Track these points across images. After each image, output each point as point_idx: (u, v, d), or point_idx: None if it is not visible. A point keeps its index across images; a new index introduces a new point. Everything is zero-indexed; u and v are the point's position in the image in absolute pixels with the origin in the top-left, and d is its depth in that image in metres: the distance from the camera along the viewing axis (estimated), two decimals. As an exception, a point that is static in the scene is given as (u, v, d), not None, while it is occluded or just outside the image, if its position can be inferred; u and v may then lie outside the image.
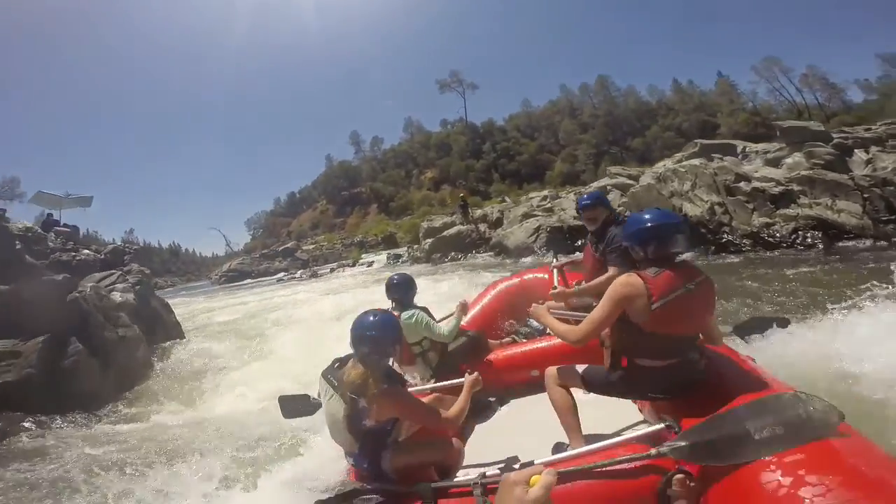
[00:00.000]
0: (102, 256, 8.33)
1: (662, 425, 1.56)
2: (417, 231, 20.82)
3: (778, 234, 8.93)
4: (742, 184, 10.13)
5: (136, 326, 5.99)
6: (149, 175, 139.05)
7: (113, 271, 7.49)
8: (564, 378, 1.95)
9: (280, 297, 12.99)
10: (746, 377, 1.66)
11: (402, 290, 2.88)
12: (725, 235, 9.55)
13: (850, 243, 8.22)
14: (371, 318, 1.84)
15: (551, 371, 2.00)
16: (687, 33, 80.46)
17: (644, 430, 1.64)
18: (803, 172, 9.52)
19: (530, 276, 3.92)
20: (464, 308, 3.00)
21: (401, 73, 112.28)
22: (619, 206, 11.83)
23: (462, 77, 50.74)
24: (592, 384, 1.89)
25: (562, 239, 12.29)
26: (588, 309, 2.13)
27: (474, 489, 1.45)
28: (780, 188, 9.49)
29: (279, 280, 23.16)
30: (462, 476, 1.80)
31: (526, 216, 14.38)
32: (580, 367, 1.98)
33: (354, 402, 1.69)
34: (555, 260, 3.75)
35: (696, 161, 11.09)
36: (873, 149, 9.58)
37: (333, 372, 1.82)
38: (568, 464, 1.48)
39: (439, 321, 2.93)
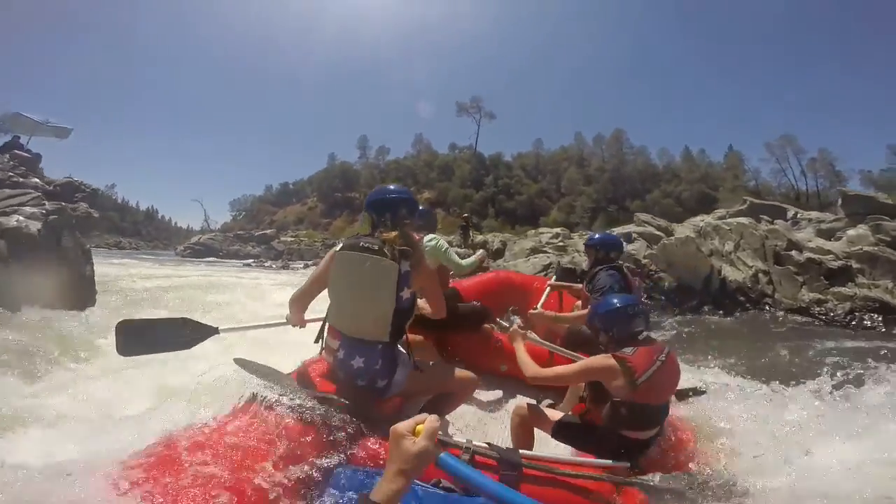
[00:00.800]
0: (51, 188, 6.54)
1: (626, 463, 1.61)
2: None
3: (832, 314, 7.63)
4: (794, 252, 8.92)
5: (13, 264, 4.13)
6: (142, 127, 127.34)
7: (29, 191, 5.66)
8: (533, 418, 1.93)
9: (232, 278, 11.13)
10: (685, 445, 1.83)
11: (425, 217, 2.88)
12: (767, 308, 8.24)
13: None
14: (390, 187, 1.89)
15: (521, 408, 1.97)
16: (707, 102, 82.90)
17: (604, 462, 1.63)
18: (866, 248, 8.36)
19: (534, 281, 3.95)
20: (484, 256, 3.10)
21: (423, 87, 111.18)
22: (644, 257, 10.51)
23: (482, 104, 50.38)
24: (563, 435, 1.86)
25: (573, 281, 10.73)
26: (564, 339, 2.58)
27: (464, 453, 1.41)
28: (838, 262, 8.28)
29: (246, 264, 21.11)
30: None
31: (535, 251, 12.90)
32: (549, 411, 1.98)
33: (399, 266, 1.61)
34: (553, 278, 3.75)
35: (744, 220, 9.87)
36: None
37: (363, 239, 1.68)
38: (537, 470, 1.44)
39: None
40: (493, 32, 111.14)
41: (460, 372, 1.96)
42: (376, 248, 1.63)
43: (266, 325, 2.21)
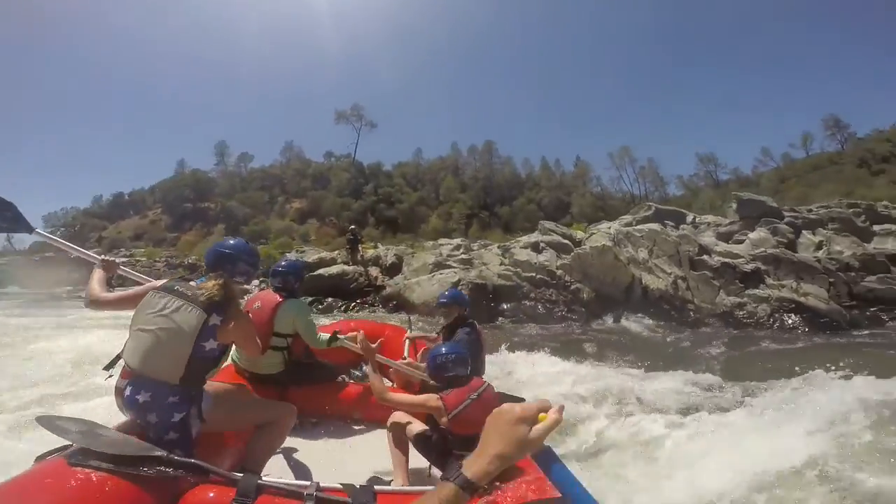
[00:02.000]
0: None
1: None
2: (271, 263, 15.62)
3: (756, 316, 7.35)
4: (705, 257, 8.67)
5: None
6: None
7: None
8: (406, 425, 2.21)
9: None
10: None
11: (289, 279, 2.81)
12: (691, 314, 7.74)
13: (826, 332, 6.93)
14: (230, 241, 1.95)
15: (395, 422, 2.25)
16: (561, 114, 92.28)
17: None
18: (769, 250, 8.39)
19: (395, 332, 3.91)
20: (355, 339, 2.69)
21: (295, 93, 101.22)
22: (558, 268, 9.51)
23: (363, 112, 48.08)
24: (419, 448, 2.17)
25: (485, 300, 9.20)
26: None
27: (307, 499, 1.35)
28: (750, 265, 8.16)
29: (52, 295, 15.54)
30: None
31: (438, 266, 11.13)
32: (417, 424, 2.21)
33: (207, 317, 1.64)
34: (409, 330, 3.79)
35: (654, 226, 9.44)
36: (821, 231, 9.03)
37: (180, 283, 1.75)
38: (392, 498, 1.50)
39: None
40: (375, 38, 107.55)
41: (273, 403, 2.13)
42: (189, 294, 1.66)
43: (82, 253, 2.24)
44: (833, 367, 4.35)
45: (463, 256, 11.60)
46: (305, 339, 2.68)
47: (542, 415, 0.66)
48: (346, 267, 12.72)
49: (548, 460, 1.95)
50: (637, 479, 2.77)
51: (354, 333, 2.81)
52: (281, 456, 2.37)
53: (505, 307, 9.01)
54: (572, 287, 9.09)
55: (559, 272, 9.52)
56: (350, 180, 44.50)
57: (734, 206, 10.06)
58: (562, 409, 0.67)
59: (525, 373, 4.90)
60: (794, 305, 7.35)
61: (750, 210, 9.51)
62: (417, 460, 2.16)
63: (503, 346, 5.88)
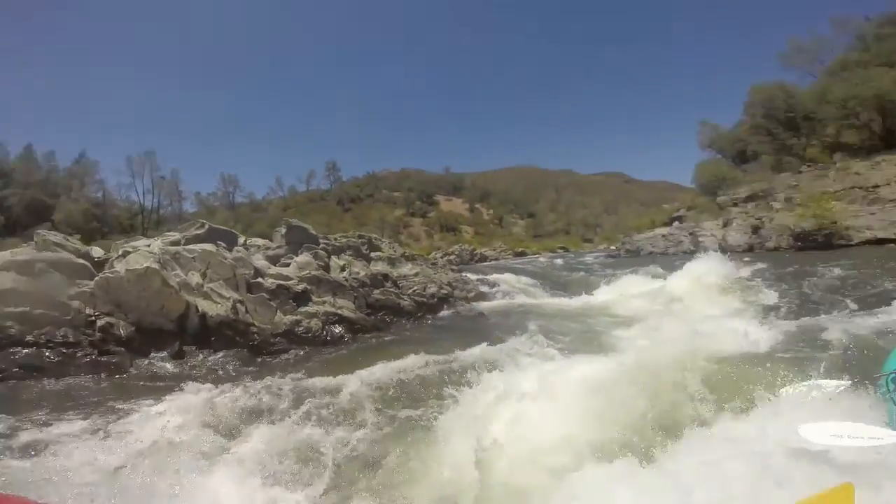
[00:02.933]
0: None
1: None
2: None
3: (311, 330, 8.09)
4: (261, 280, 8.64)
5: None
6: None
7: None
8: None
9: None
10: None
11: None
12: (255, 336, 7.57)
13: (360, 335, 8.72)
14: None
15: None
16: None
17: None
18: (313, 272, 9.43)
19: None
20: None
21: None
22: (71, 297, 6.80)
23: None
24: None
25: None
26: None
27: None
28: (300, 286, 8.85)
29: None
30: None
31: None
32: None
33: None
34: None
35: (209, 247, 8.42)
36: (343, 255, 11.08)
37: None
38: None
39: None
40: None
41: None
42: None
43: None
44: (365, 361, 5.78)
45: None
46: None
47: None
48: None
49: None
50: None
51: None
52: None
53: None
54: (100, 322, 6.73)
55: (75, 304, 6.83)
56: None
57: (283, 230, 10.77)
58: None
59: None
60: (336, 317, 8.67)
61: (296, 236, 10.48)
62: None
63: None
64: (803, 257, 14.30)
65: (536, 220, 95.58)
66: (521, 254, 50.35)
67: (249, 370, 6.53)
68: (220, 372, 6.38)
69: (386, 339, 8.55)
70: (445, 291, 12.04)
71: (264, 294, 8.31)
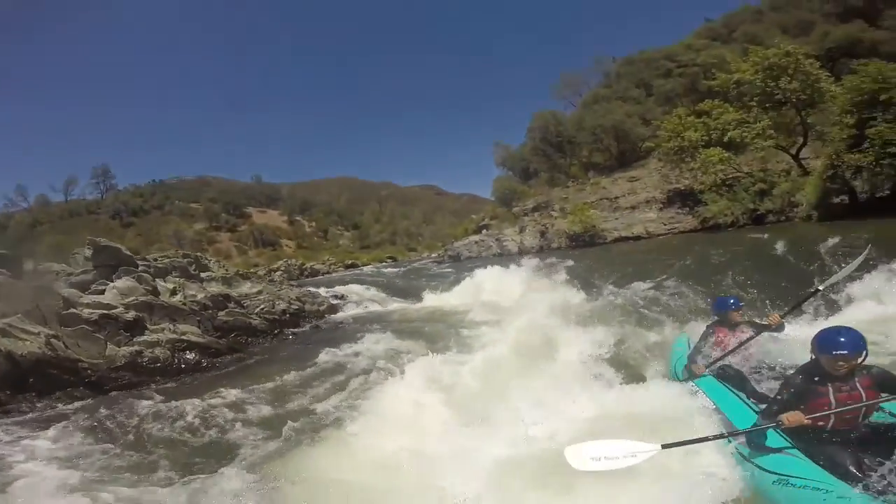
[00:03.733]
0: None
1: None
2: None
3: (158, 360, 7.29)
4: (74, 310, 7.31)
5: None
6: None
7: None
8: None
9: None
10: None
11: None
12: (89, 373, 6.53)
13: (218, 359, 8.21)
14: None
15: None
16: None
17: None
18: (141, 298, 8.35)
19: None
20: None
21: None
22: None
23: None
24: None
25: None
26: None
27: None
28: (130, 314, 7.78)
29: None
30: None
31: None
32: None
33: None
34: None
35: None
36: (170, 278, 9.95)
37: None
38: None
39: None
40: None
41: None
42: None
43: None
44: (222, 384, 6.03)
45: None
46: None
47: None
48: None
49: None
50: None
51: None
52: None
53: None
54: None
55: None
56: None
57: (89, 252, 9.15)
58: None
59: None
60: (185, 343, 7.94)
61: (105, 258, 9.01)
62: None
63: None
64: (577, 254, 18.67)
65: (362, 232, 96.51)
66: (353, 265, 50.54)
67: (84, 410, 5.71)
68: (51, 415, 5.44)
69: (246, 360, 8.29)
70: (296, 307, 11.96)
71: (85, 326, 7.13)
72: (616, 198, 26.85)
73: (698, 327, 4.51)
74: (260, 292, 12.03)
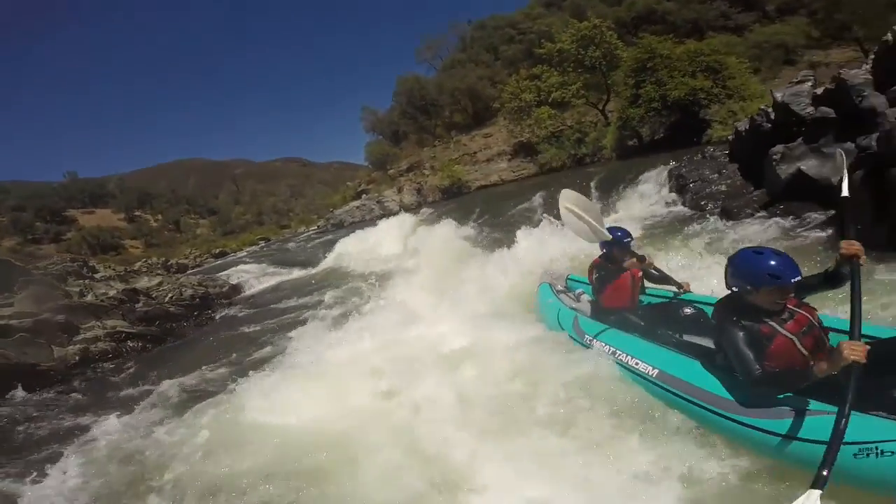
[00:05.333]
0: None
1: None
2: None
3: (110, 352, 8.29)
4: (4, 322, 7.81)
5: None
6: None
7: None
8: None
9: None
10: None
11: None
12: (53, 375, 7.42)
13: (157, 344, 9.29)
14: None
15: None
16: None
17: None
18: (60, 302, 8.91)
19: None
20: None
21: None
22: None
23: None
24: None
25: None
26: None
27: None
28: (60, 317, 8.45)
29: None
30: None
31: None
32: None
33: None
34: None
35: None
36: (71, 281, 10.31)
37: None
38: None
39: None
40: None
41: None
42: None
43: None
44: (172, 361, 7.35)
45: None
46: None
47: None
48: None
49: None
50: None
51: None
52: None
53: None
54: None
55: None
56: None
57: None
58: None
59: None
60: (123, 334, 8.89)
61: None
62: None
63: None
64: (450, 204, 22.02)
65: (222, 217, 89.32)
66: (223, 254, 47.94)
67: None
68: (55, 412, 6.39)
69: (178, 342, 9.48)
70: (202, 291, 12.92)
71: (23, 334, 7.78)
72: (475, 153, 30.80)
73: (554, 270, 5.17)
74: (161, 283, 12.77)
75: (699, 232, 6.49)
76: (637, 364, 2.83)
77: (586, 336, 3.37)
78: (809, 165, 6.04)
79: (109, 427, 4.49)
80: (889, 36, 5.58)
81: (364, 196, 34.92)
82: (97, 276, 11.84)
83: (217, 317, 11.54)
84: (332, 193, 52.43)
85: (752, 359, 2.06)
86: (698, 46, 17.99)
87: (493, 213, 13.46)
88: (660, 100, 16.70)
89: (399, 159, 36.72)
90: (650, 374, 2.72)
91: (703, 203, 7.58)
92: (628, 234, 3.66)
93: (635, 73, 18.17)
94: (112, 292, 10.50)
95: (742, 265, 2.18)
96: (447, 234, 9.10)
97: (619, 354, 2.99)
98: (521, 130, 25.51)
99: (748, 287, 2.14)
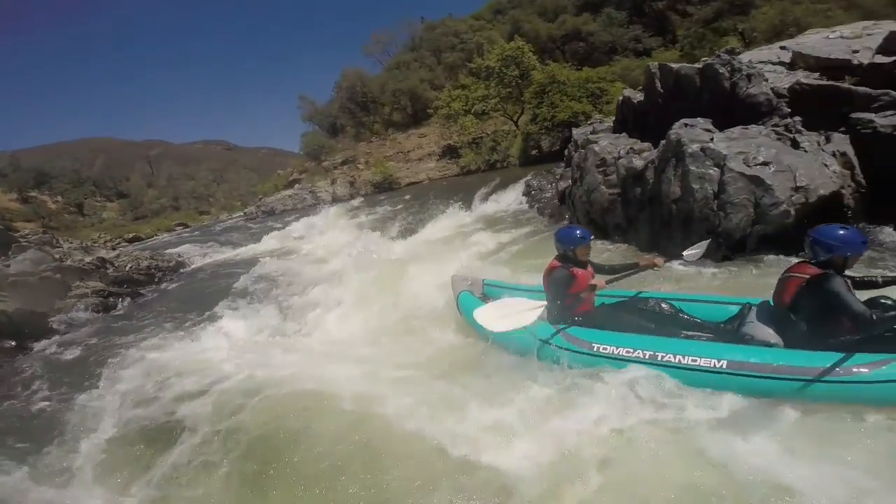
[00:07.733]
0: None
1: None
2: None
3: (99, 305, 11.09)
4: (17, 278, 10.42)
5: None
6: None
7: None
8: None
9: None
10: None
11: None
12: (59, 327, 10.20)
13: (133, 299, 12.15)
14: None
15: None
16: None
17: None
18: (53, 264, 11.55)
19: None
20: None
21: None
22: None
23: None
24: None
25: None
26: None
27: None
28: (58, 276, 11.12)
29: None
30: None
31: None
32: None
33: None
34: None
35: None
36: (48, 249, 12.79)
37: None
38: None
39: None
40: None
41: None
42: None
43: None
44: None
45: None
46: None
47: None
48: None
49: None
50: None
51: None
52: None
53: None
54: None
55: None
56: None
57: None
58: None
59: None
60: (105, 292, 11.72)
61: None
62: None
63: None
64: (381, 198, 25.66)
65: (133, 200, 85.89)
66: (136, 239, 47.81)
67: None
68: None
69: (151, 297, 12.46)
70: (155, 263, 15.61)
71: (28, 289, 10.47)
72: (408, 151, 34.73)
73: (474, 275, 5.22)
74: (118, 256, 15.39)
75: (527, 223, 10.82)
76: (678, 360, 2.85)
77: (585, 343, 3.27)
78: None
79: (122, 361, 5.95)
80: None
81: (297, 185, 37.46)
82: (65, 246, 14.26)
83: (174, 283, 14.44)
84: (261, 180, 53.76)
85: (864, 306, 2.53)
86: (589, 74, 23.02)
87: (418, 207, 17.21)
88: (551, 119, 21.55)
89: (335, 152, 39.59)
90: (702, 364, 2.77)
91: (537, 206, 11.84)
92: (589, 232, 3.81)
93: (537, 95, 22.91)
94: (88, 259, 13.11)
95: (837, 237, 2.65)
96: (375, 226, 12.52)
97: (642, 353, 2.98)
98: (450, 135, 29.73)
99: (848, 254, 2.65)
